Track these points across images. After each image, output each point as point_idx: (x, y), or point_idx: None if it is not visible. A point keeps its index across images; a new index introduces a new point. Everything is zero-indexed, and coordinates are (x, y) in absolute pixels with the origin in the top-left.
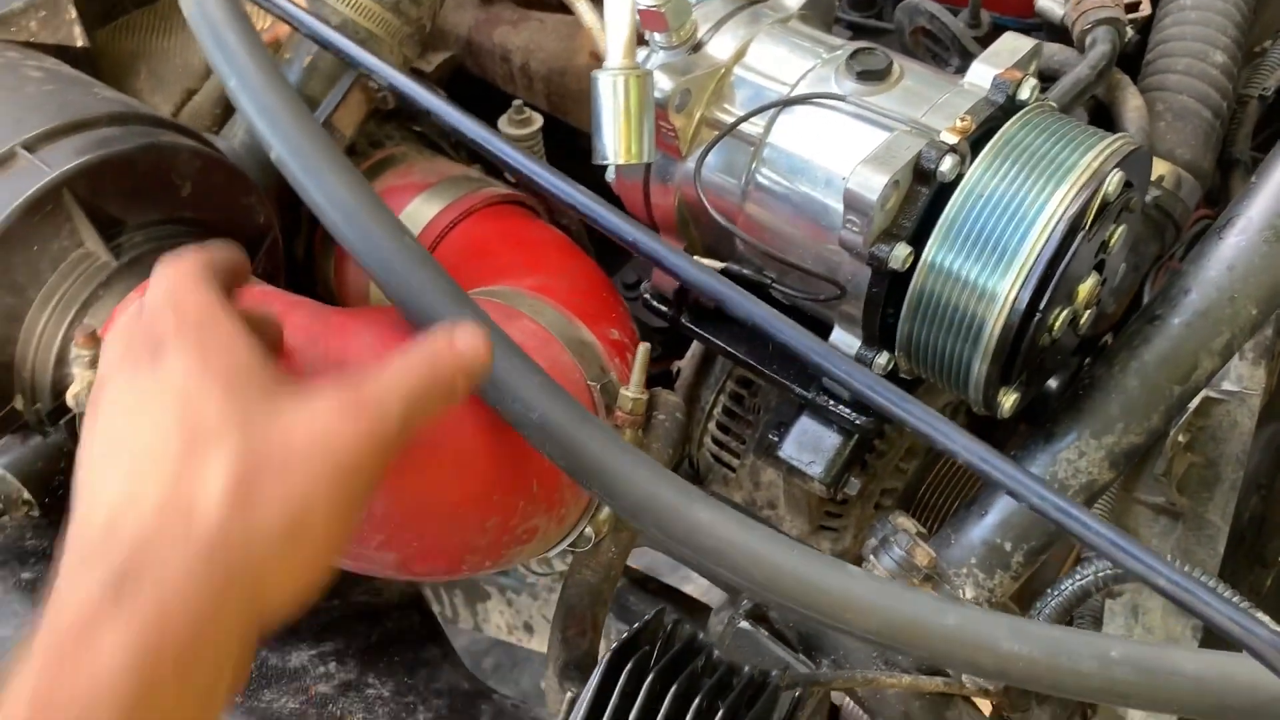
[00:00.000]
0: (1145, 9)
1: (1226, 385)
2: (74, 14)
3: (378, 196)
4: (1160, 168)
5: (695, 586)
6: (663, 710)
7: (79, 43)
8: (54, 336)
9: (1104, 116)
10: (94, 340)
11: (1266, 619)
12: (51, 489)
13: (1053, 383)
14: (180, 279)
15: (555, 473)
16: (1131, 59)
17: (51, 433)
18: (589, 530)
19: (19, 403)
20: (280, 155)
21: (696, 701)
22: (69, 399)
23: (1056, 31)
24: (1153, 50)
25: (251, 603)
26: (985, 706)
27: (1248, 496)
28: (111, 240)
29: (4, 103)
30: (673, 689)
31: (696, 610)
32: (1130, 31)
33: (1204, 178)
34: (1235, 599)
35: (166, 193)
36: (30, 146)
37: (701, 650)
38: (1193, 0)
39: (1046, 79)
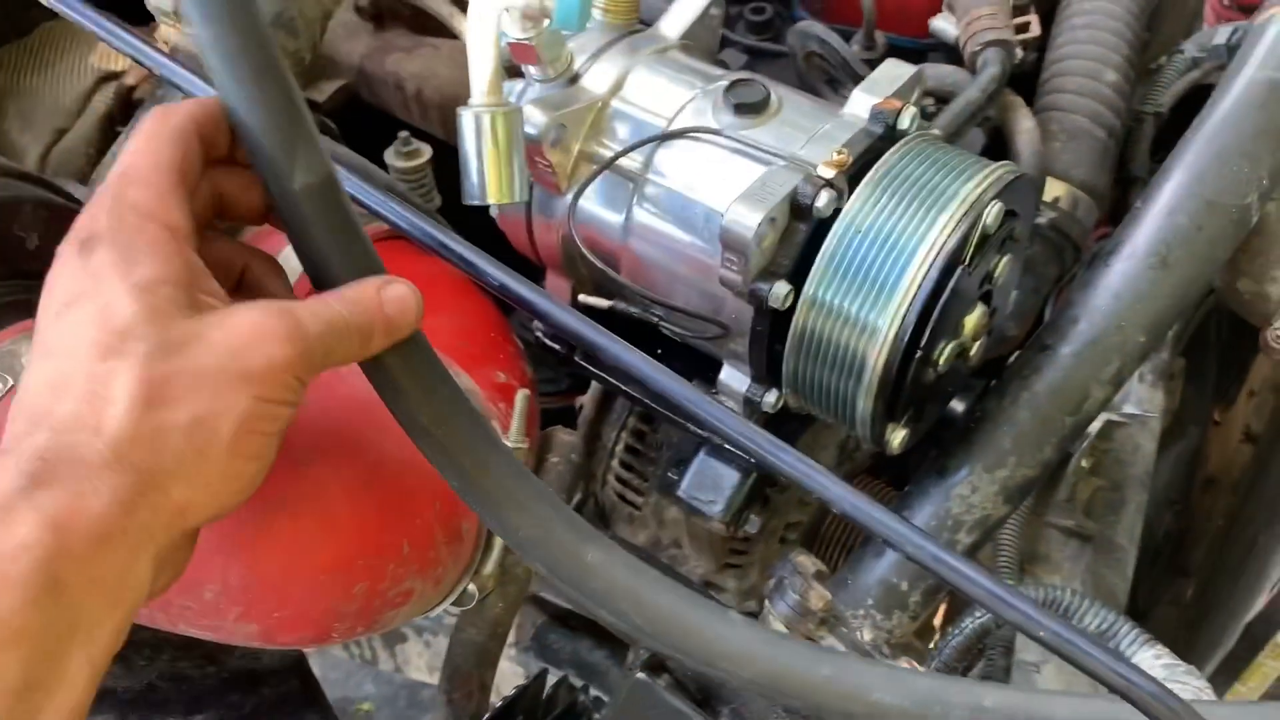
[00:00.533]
0: (1035, 29)
1: (1128, 408)
2: None
3: None
4: (1056, 188)
5: None
6: None
7: None
8: None
9: (1001, 139)
10: None
11: (1145, 667)
12: None
13: (959, 405)
14: (142, 156)
15: (428, 532)
16: (1030, 78)
17: None
18: (472, 587)
19: None
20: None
21: None
22: None
23: (952, 52)
24: (1047, 70)
25: (162, 506)
26: None
27: (1161, 514)
28: None
29: None
30: None
31: (621, 645)
32: (1020, 53)
33: (1100, 197)
34: (1111, 647)
35: (10, 246)
36: None
37: (582, 715)
38: (1084, 20)
39: (941, 100)
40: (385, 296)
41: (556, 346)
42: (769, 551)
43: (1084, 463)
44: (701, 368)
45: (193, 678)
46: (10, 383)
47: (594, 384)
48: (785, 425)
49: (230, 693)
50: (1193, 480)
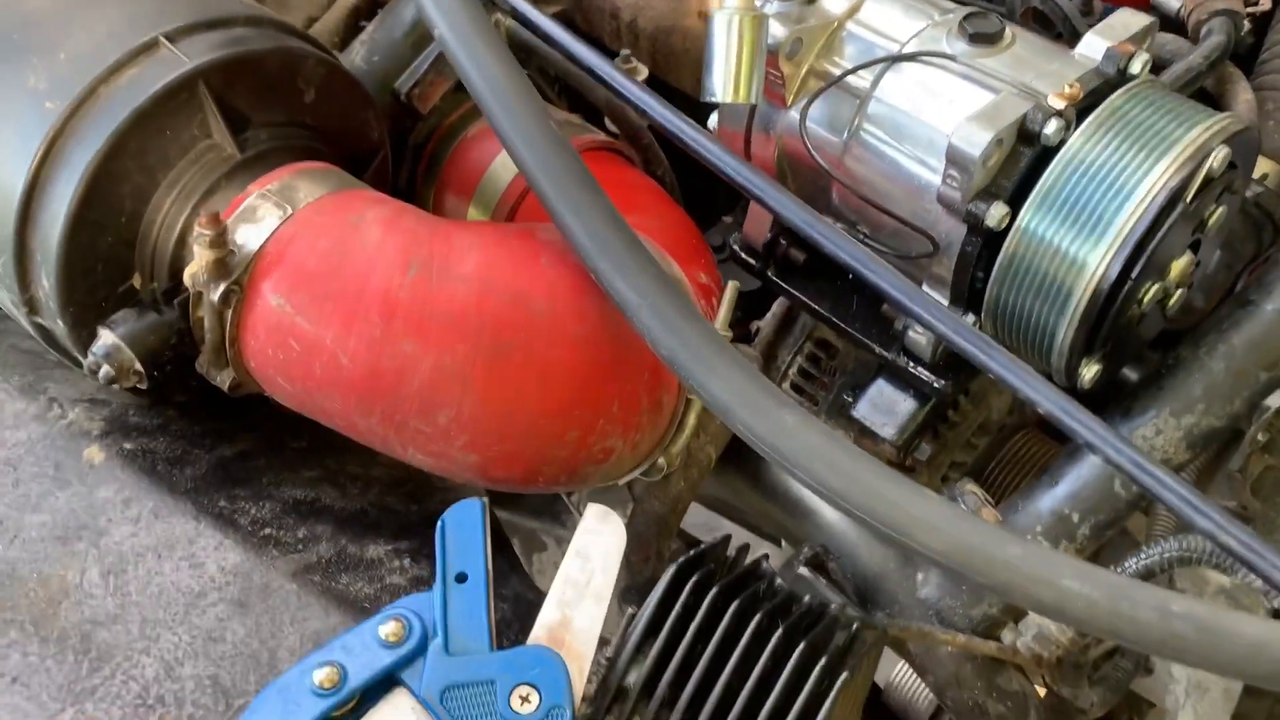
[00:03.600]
0: (1265, 4)
1: None
2: None
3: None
4: (1265, 166)
5: None
6: (722, 624)
7: None
8: (176, 219)
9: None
10: (215, 222)
11: None
12: (160, 364)
13: (1132, 375)
14: None
15: (636, 397)
16: (1245, 60)
17: (165, 311)
18: (661, 461)
19: (137, 281)
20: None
21: (756, 619)
22: (185, 278)
23: (1170, 24)
24: (1268, 50)
25: None
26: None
27: None
28: (238, 134)
29: None
30: (734, 605)
31: None
32: (1247, 24)
33: None
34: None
35: (292, 95)
36: (172, 37)
37: (764, 576)
38: None
39: (1158, 68)
40: None
41: (752, 261)
42: (933, 485)
43: (1261, 436)
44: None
45: (399, 511)
46: (289, 211)
47: (775, 306)
48: None
49: (430, 529)
50: None
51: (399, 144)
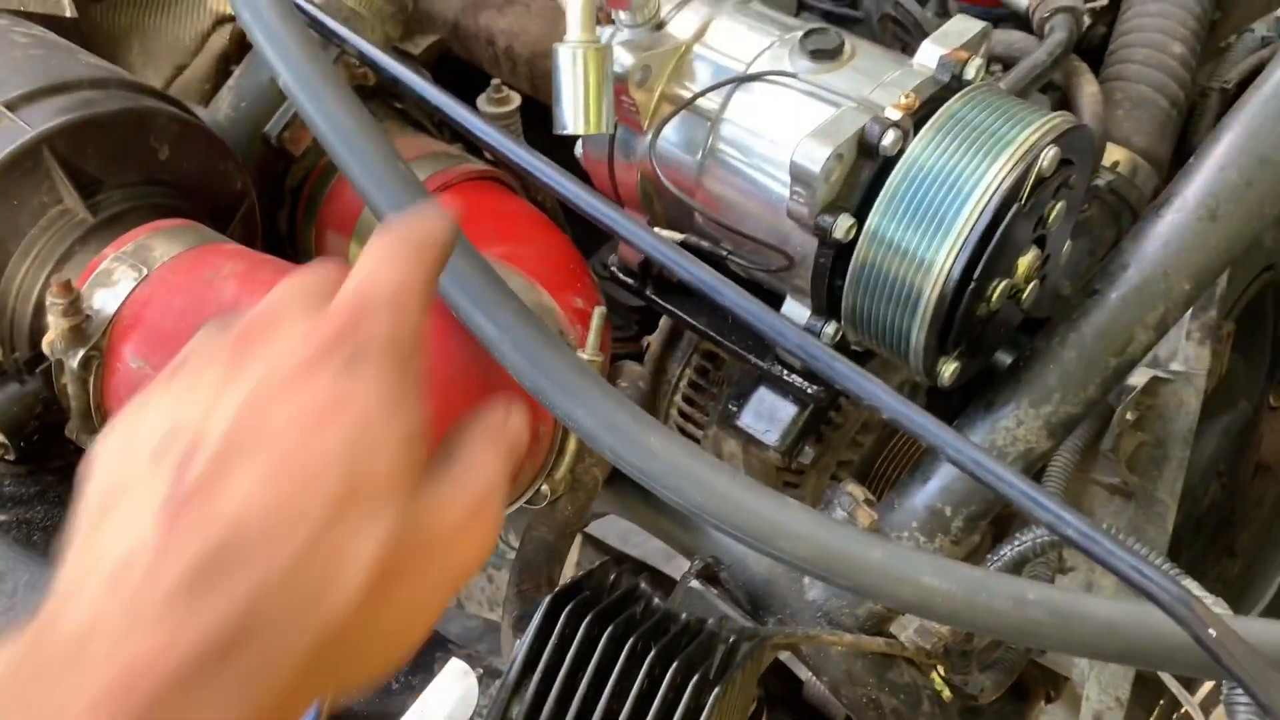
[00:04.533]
0: None
1: (1174, 366)
2: None
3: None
4: (1116, 154)
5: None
6: (598, 651)
7: (67, 13)
8: (33, 287)
9: (1066, 107)
10: (68, 290)
11: (1172, 573)
12: (26, 434)
13: (1006, 358)
14: (415, 284)
15: None
16: (1097, 52)
17: (28, 380)
18: (545, 489)
19: None
20: (286, 82)
21: (631, 642)
22: (44, 347)
23: (1022, 22)
24: (1115, 41)
25: (315, 696)
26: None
27: (1206, 482)
28: (90, 198)
29: None
30: (609, 631)
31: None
32: (1087, 20)
33: (1159, 165)
34: (1142, 551)
35: (145, 155)
36: (12, 106)
37: (641, 598)
38: None
39: (1009, 66)
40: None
41: (630, 281)
42: (821, 486)
43: (1129, 415)
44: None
45: None
46: (144, 272)
47: (662, 322)
48: None
49: None
50: (1242, 453)
51: (275, 188)
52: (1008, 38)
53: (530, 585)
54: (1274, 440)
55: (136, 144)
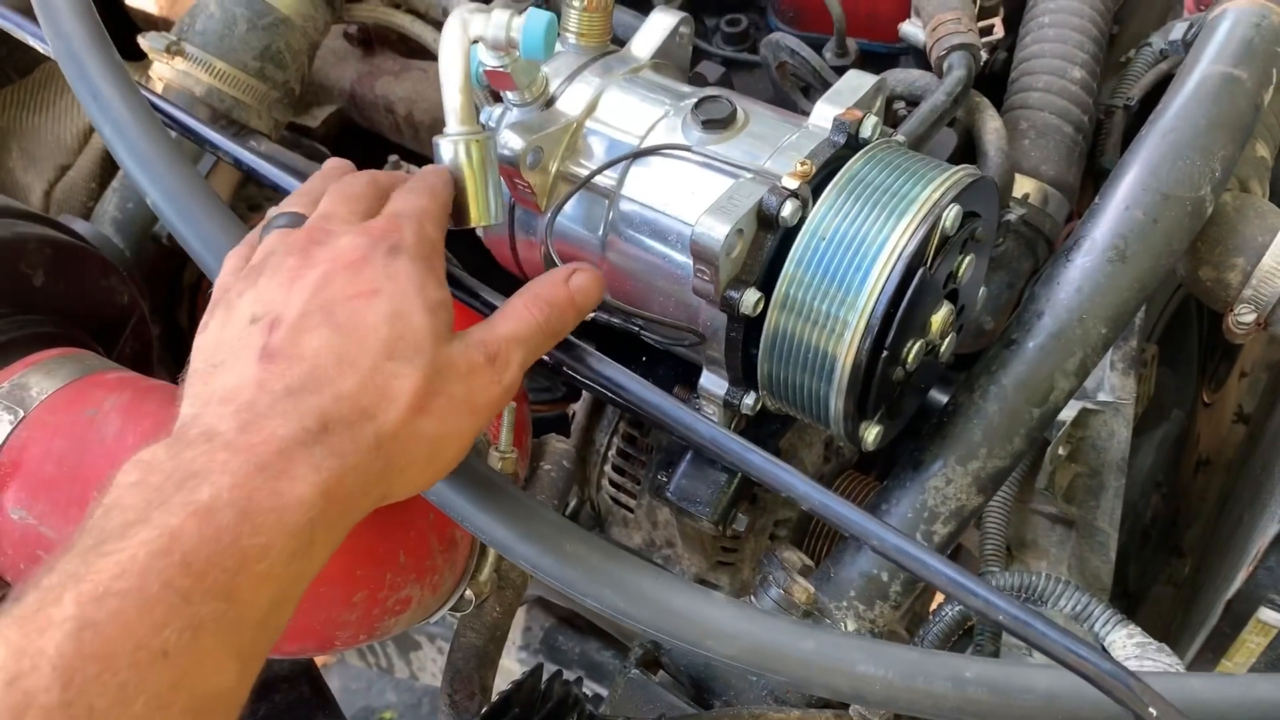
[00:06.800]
0: (999, 31)
1: (1102, 396)
2: None
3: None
4: (1026, 185)
5: None
6: None
7: None
8: None
9: (970, 140)
10: None
11: (1117, 645)
12: None
13: (941, 396)
14: (433, 210)
15: (424, 541)
16: (1001, 79)
17: None
18: (469, 593)
19: None
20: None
21: None
22: None
23: (922, 56)
24: (1015, 70)
25: (386, 492)
26: None
27: (1147, 496)
28: None
29: None
30: None
31: (628, 645)
32: (985, 55)
33: (1070, 191)
34: (1071, 629)
35: (18, 283)
36: None
37: (575, 707)
38: (1050, 19)
39: (913, 103)
40: (573, 287)
41: (544, 358)
42: (760, 548)
43: (1061, 450)
44: (686, 372)
45: None
46: (20, 414)
47: (585, 392)
48: (766, 425)
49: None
50: (1179, 462)
51: (172, 285)
52: (908, 76)
53: (463, 694)
54: (1210, 434)
55: (7, 273)
